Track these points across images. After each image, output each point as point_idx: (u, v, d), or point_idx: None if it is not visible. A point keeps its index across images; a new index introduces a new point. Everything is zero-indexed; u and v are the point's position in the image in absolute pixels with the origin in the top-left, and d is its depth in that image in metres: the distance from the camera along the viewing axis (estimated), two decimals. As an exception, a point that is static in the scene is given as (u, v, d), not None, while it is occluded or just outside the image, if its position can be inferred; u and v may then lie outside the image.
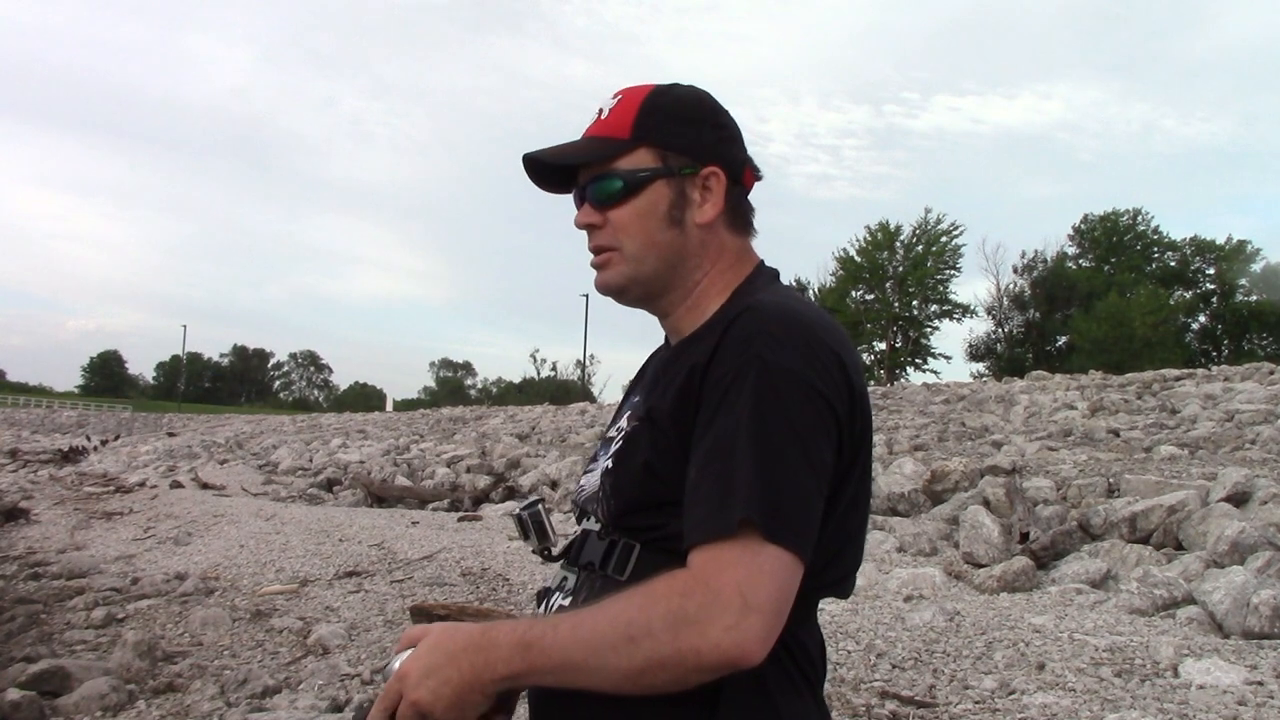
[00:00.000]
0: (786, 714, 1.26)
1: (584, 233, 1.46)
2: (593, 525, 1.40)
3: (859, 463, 1.32)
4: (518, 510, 1.45)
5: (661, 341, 1.63)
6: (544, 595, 1.45)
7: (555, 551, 1.44)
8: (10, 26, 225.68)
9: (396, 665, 1.21)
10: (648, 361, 1.62)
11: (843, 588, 1.35)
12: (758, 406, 1.20)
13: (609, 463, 1.37)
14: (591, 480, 1.44)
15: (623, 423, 1.49)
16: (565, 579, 1.41)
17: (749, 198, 1.47)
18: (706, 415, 1.24)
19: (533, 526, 1.43)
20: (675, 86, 1.44)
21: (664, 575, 1.17)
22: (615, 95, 1.44)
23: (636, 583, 1.24)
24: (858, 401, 1.30)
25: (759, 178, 1.48)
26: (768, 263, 1.48)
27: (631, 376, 1.68)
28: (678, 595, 1.14)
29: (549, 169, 1.44)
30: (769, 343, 1.24)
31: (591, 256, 1.45)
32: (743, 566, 1.14)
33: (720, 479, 1.19)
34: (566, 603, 1.37)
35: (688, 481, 1.23)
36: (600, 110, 1.43)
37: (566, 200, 1.50)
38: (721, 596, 1.12)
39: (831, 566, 1.31)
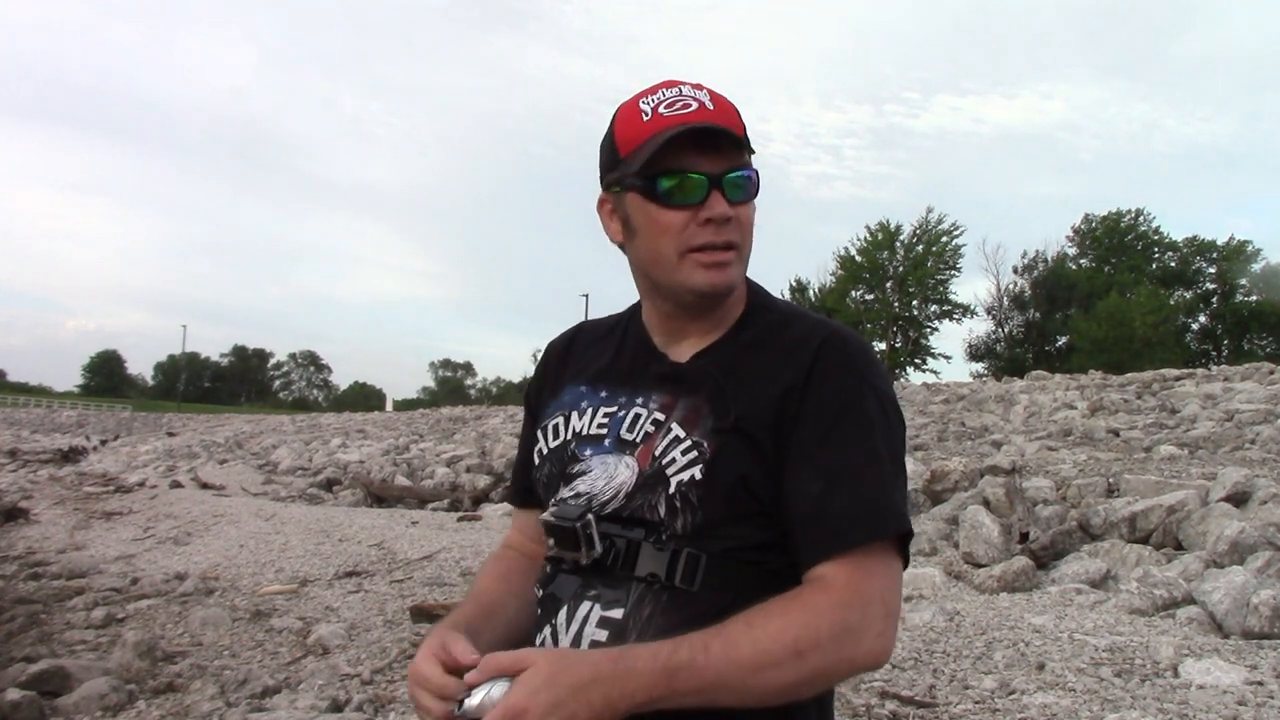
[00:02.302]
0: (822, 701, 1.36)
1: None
2: (621, 532, 1.34)
3: None
4: (569, 523, 1.34)
5: (565, 335, 1.59)
6: (551, 603, 1.38)
7: (584, 562, 1.35)
8: (10, 26, 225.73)
9: (488, 698, 1.10)
10: (573, 353, 1.55)
11: None
12: (882, 431, 1.30)
13: (695, 473, 1.31)
14: (600, 485, 1.38)
15: (601, 419, 1.43)
16: (593, 589, 1.34)
17: None
18: (819, 431, 1.30)
19: (584, 539, 1.34)
20: None
21: (813, 589, 1.23)
22: (696, 88, 1.36)
23: (707, 592, 1.29)
24: None
25: None
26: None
27: (543, 375, 1.57)
28: (839, 608, 1.20)
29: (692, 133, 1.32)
30: (872, 370, 1.35)
31: (708, 252, 1.33)
32: (883, 577, 1.25)
33: (860, 495, 1.26)
34: (615, 614, 1.31)
35: (805, 495, 1.28)
36: (699, 101, 1.34)
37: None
38: (872, 606, 1.22)
39: None
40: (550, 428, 1.48)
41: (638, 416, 1.39)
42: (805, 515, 1.28)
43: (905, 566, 1.31)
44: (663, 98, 1.35)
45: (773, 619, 1.19)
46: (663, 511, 1.33)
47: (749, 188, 1.36)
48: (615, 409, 1.42)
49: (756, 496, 1.30)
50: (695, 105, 1.34)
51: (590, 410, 1.45)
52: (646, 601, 1.31)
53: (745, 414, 1.33)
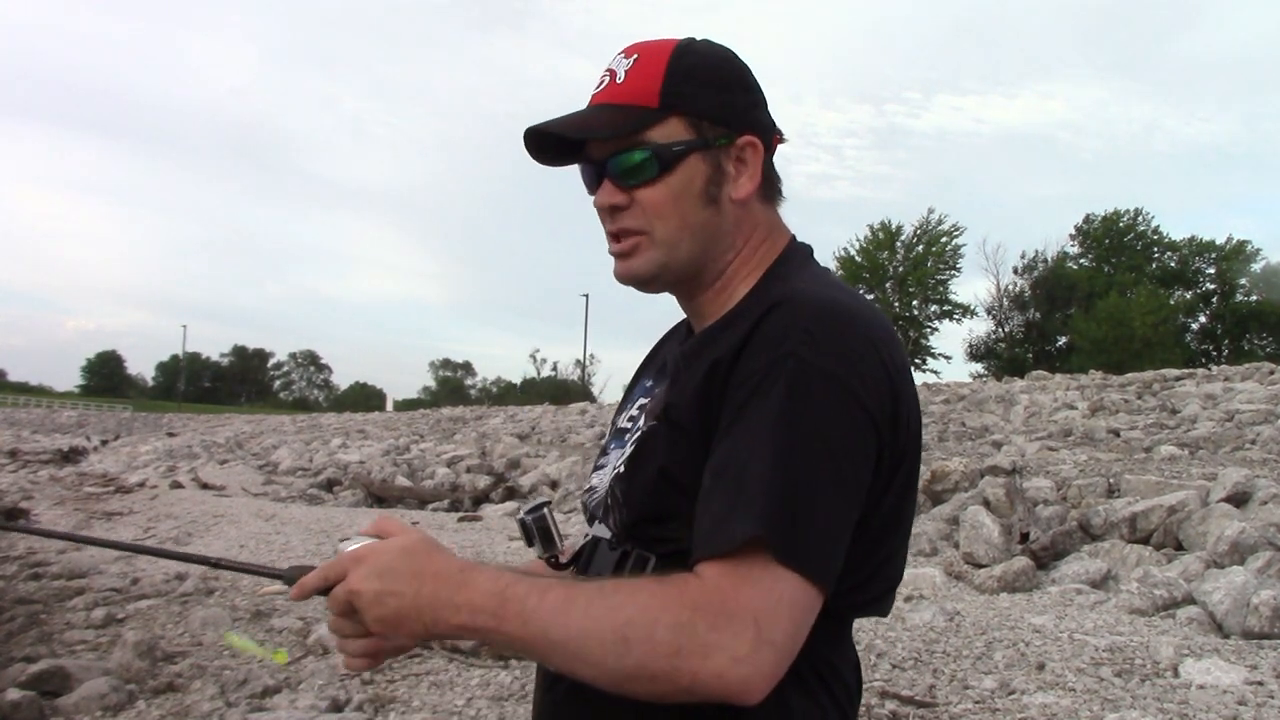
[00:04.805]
0: None
1: (594, 211, 1.28)
2: (603, 532, 1.26)
3: (900, 475, 1.17)
4: (521, 514, 1.31)
5: (673, 325, 1.49)
6: None
7: (563, 559, 1.30)
8: (10, 26, 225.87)
9: (355, 546, 1.11)
10: (662, 344, 1.46)
11: (881, 606, 1.23)
12: (786, 412, 1.07)
13: (622, 467, 1.22)
14: (601, 482, 1.31)
15: (634, 411, 1.35)
16: None
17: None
18: (729, 417, 1.11)
19: (537, 533, 1.28)
20: (699, 43, 1.27)
21: (677, 579, 1.04)
22: (629, 54, 1.25)
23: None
24: (902, 408, 1.15)
25: (784, 140, 1.31)
26: None
27: (637, 367, 1.52)
28: (689, 608, 1.00)
29: (551, 140, 1.25)
30: (805, 340, 1.09)
31: (610, 241, 1.26)
32: (760, 592, 1.01)
33: (735, 491, 1.05)
34: None
35: (701, 489, 1.10)
36: (612, 72, 1.24)
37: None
38: (735, 621, 1.00)
39: (868, 585, 1.18)
40: (612, 422, 1.43)
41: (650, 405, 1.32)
42: (696, 512, 1.10)
43: (819, 584, 1.04)
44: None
45: (619, 593, 1.03)
46: (600, 510, 1.26)
47: (643, 169, 1.21)
48: (647, 400, 1.34)
49: (683, 491, 1.13)
50: (605, 80, 1.25)
51: (632, 402, 1.38)
52: None
53: (677, 400, 1.18)
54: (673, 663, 0.99)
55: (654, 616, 1.00)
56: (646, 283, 1.27)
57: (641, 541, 1.19)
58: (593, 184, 1.27)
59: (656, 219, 1.22)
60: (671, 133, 1.21)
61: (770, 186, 1.30)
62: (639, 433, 1.25)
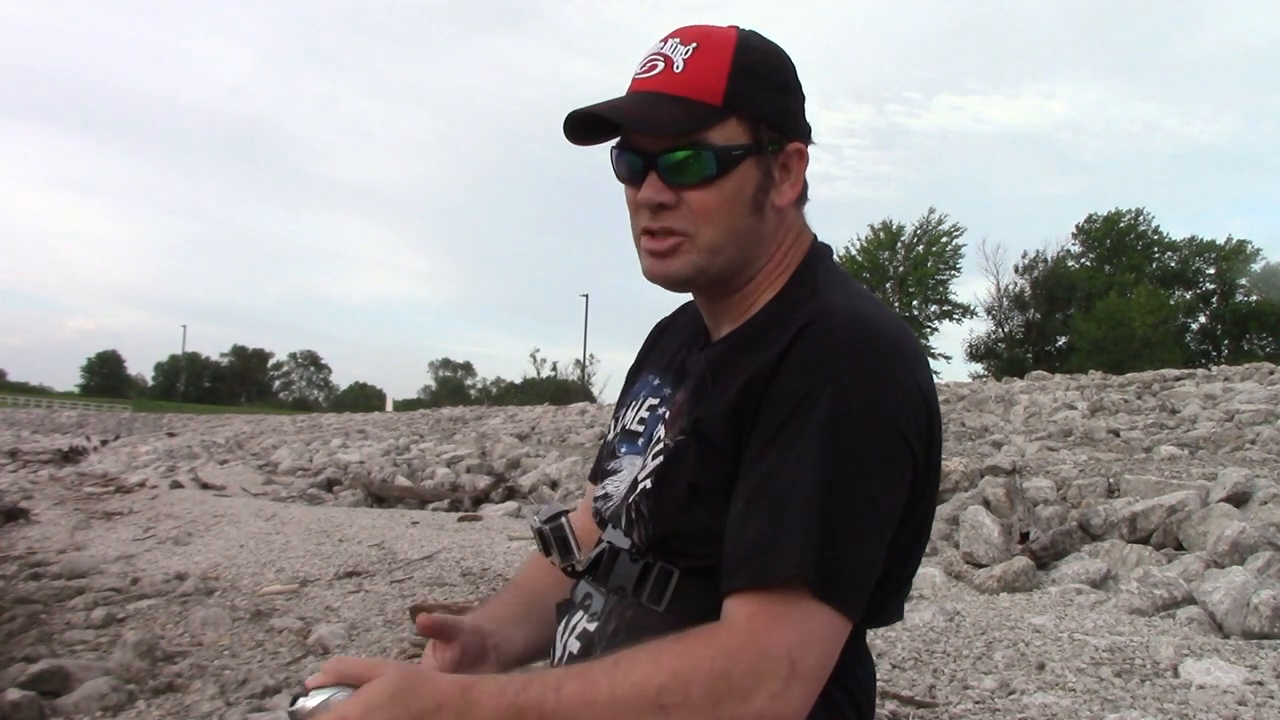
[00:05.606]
0: None
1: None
2: (620, 540, 1.23)
3: (928, 495, 1.18)
4: (538, 523, 1.27)
5: (669, 315, 1.46)
6: (564, 609, 1.31)
7: (580, 568, 1.27)
8: (10, 26, 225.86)
9: (322, 704, 0.99)
10: (659, 334, 1.44)
11: (897, 615, 1.24)
12: (827, 439, 1.05)
13: (648, 482, 1.19)
14: (618, 488, 1.28)
15: (644, 412, 1.32)
16: (590, 598, 1.26)
17: None
18: (763, 438, 1.09)
19: (555, 542, 1.26)
20: (755, 38, 1.22)
21: (700, 631, 1.03)
22: (685, 40, 1.18)
23: (674, 613, 1.12)
24: (934, 431, 1.15)
25: (813, 143, 1.28)
26: None
27: (635, 361, 1.49)
28: (723, 657, 1.00)
29: (590, 118, 1.19)
30: (845, 364, 1.08)
31: (646, 238, 1.21)
32: (794, 627, 1.01)
33: (773, 520, 1.04)
34: (592, 626, 1.23)
35: (732, 511, 1.08)
36: (669, 60, 1.17)
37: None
38: (769, 659, 1.00)
39: (892, 598, 1.20)
40: (616, 417, 1.39)
41: (665, 413, 1.28)
42: (727, 534, 1.08)
43: (850, 617, 1.05)
44: (646, 53, 1.21)
45: (641, 663, 1.00)
46: (623, 522, 1.23)
47: (699, 170, 1.15)
48: (658, 402, 1.30)
49: (711, 508, 1.12)
50: (659, 67, 1.18)
51: (640, 403, 1.34)
52: (614, 617, 1.21)
53: (707, 414, 1.16)
54: (714, 714, 0.99)
55: (687, 676, 0.99)
56: (680, 285, 1.23)
57: (665, 555, 1.17)
58: (634, 176, 1.21)
59: (704, 223, 1.18)
60: (731, 135, 1.16)
61: (804, 192, 1.27)
62: (663, 445, 1.21)
